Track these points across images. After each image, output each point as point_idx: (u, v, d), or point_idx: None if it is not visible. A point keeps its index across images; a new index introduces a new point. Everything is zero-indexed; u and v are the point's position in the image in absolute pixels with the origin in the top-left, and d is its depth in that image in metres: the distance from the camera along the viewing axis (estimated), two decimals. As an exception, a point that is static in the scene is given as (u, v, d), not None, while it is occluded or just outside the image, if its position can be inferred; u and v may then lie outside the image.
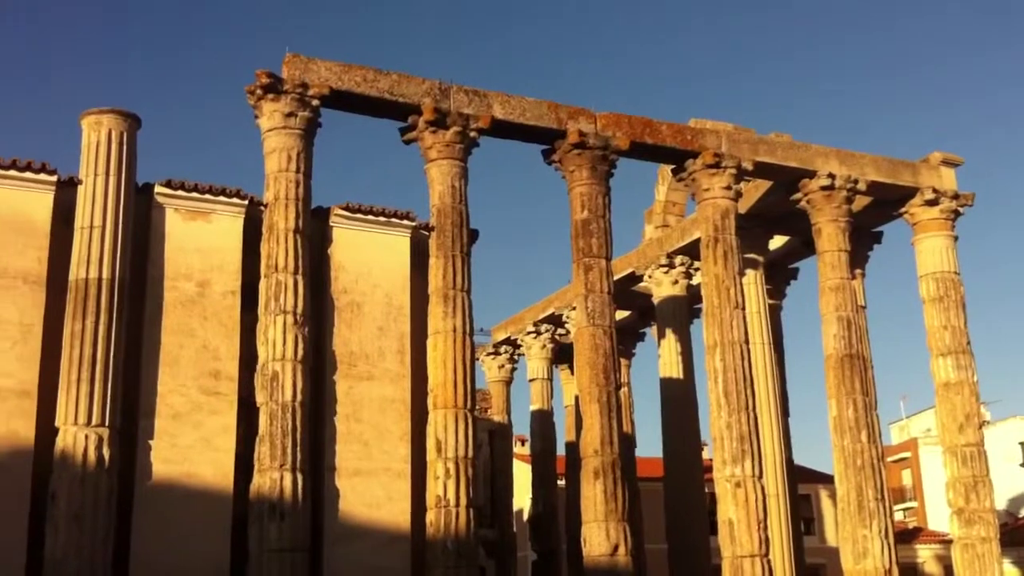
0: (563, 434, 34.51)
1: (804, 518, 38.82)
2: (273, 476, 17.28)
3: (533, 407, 34.50)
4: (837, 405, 23.44)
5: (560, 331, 33.41)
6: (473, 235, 20.85)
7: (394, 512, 18.86)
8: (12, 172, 17.23)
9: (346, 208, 20.11)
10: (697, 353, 27.52)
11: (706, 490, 26.91)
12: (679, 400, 27.67)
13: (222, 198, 18.89)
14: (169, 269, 18.24)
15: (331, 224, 20.05)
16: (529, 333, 34.07)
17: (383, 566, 18.40)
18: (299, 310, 18.27)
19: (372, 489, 18.80)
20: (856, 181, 24.35)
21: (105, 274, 17.04)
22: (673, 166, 23.78)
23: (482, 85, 21.12)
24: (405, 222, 20.68)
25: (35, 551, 15.97)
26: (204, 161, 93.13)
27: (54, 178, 17.50)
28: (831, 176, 24.04)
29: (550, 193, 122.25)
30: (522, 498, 39.75)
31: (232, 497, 17.59)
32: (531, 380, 34.55)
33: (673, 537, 26.84)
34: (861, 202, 25.19)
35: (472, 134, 20.75)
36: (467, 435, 18.93)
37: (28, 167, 17.32)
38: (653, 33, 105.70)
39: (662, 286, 28.46)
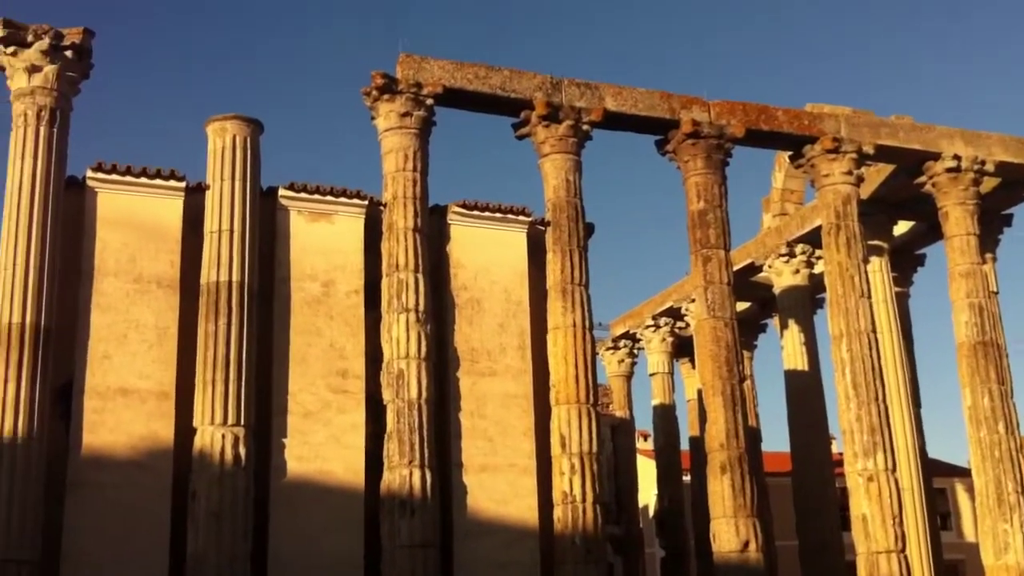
0: (686, 429, 34.15)
1: (940, 513, 37.59)
2: (402, 473, 17.50)
3: (655, 402, 34.18)
4: (971, 395, 22.66)
5: (679, 324, 33.02)
6: (589, 229, 20.78)
7: (521, 508, 18.88)
8: (143, 180, 17.80)
9: (463, 205, 20.25)
10: (822, 344, 26.96)
11: (836, 485, 26.25)
12: (805, 393, 27.08)
13: (343, 199, 19.20)
14: (295, 270, 18.60)
15: (448, 221, 20.21)
16: (648, 327, 33.76)
17: (512, 561, 18.43)
18: (421, 308, 18.48)
19: (498, 485, 18.86)
20: (983, 162, 23.50)
21: (235, 277, 17.47)
22: (790, 153, 23.29)
23: (590, 77, 21.05)
24: (521, 218, 20.71)
25: (178, 547, 16.45)
26: (323, 163, 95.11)
27: (183, 184, 18.03)
28: (956, 158, 23.26)
29: (665, 184, 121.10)
30: (647, 494, 39.44)
31: (363, 493, 17.83)
32: (652, 374, 34.24)
33: (803, 533, 26.26)
34: (989, 184, 24.30)
35: (585, 127, 20.68)
36: (590, 430, 18.84)
37: (158, 174, 17.87)
38: (759, 18, 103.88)
39: (783, 276, 27.90)
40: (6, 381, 16.08)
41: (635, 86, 21.26)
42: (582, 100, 20.77)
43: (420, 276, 18.67)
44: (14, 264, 16.52)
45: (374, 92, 19.42)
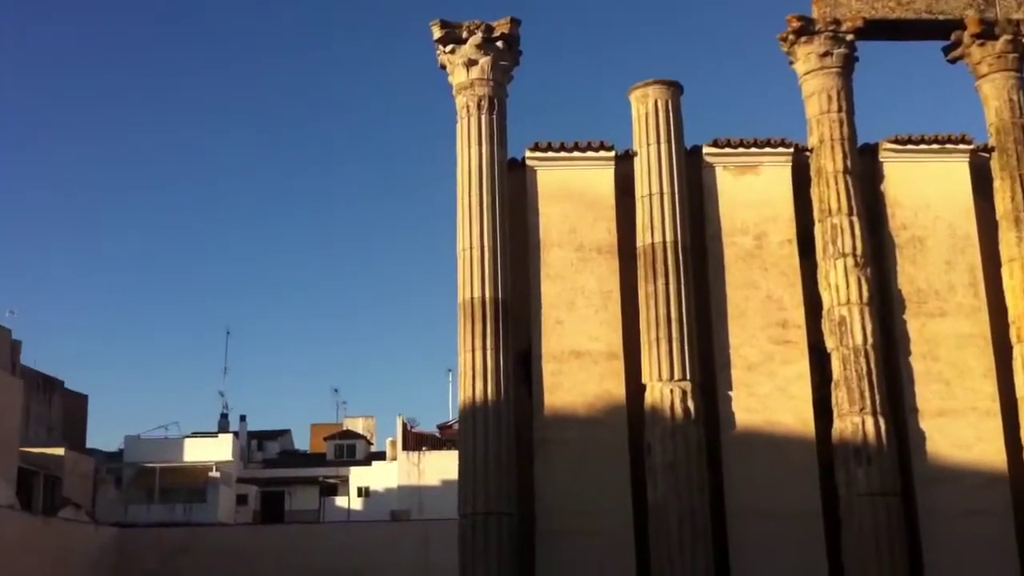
0: None
1: None
2: (854, 420, 17.17)
3: None
4: None
5: None
6: (1039, 149, 19.02)
7: (987, 452, 17.78)
8: (576, 153, 18.75)
9: (895, 141, 19.30)
10: None
11: None
12: None
13: (767, 149, 19.01)
14: (725, 225, 18.73)
15: (880, 160, 19.35)
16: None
17: (981, 509, 17.42)
18: (858, 252, 17.98)
19: (959, 430, 17.88)
20: None
21: (668, 237, 17.94)
22: None
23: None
24: (961, 146, 19.37)
25: (638, 497, 17.26)
26: (742, 117, 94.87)
27: (612, 153, 18.77)
28: None
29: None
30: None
31: (814, 442, 17.67)
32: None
33: None
34: None
35: (1025, 40, 18.97)
36: (1060, 368, 17.33)
37: (589, 147, 18.74)
38: None
39: None
40: (474, 350, 17.65)
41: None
42: (1020, 11, 19.07)
43: (854, 219, 18.17)
44: (470, 245, 18.05)
45: (790, 36, 19.08)
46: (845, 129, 18.67)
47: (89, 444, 61.24)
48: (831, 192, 18.36)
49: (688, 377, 17.36)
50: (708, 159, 19.05)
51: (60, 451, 51.31)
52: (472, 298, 17.79)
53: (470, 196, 18.23)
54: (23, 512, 41.85)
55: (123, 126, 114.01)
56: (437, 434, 66.85)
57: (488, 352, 17.58)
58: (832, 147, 18.56)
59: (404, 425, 63.55)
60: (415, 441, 63.96)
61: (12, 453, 45.96)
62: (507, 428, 17.49)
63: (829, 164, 18.49)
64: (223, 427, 65.00)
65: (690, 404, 17.23)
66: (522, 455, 17.63)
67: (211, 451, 58.29)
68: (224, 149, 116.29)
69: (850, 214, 18.19)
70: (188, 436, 60.19)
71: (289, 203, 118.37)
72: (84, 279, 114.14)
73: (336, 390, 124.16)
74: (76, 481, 51.59)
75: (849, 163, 18.46)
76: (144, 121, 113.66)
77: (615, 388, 17.89)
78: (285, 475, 63.93)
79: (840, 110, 18.77)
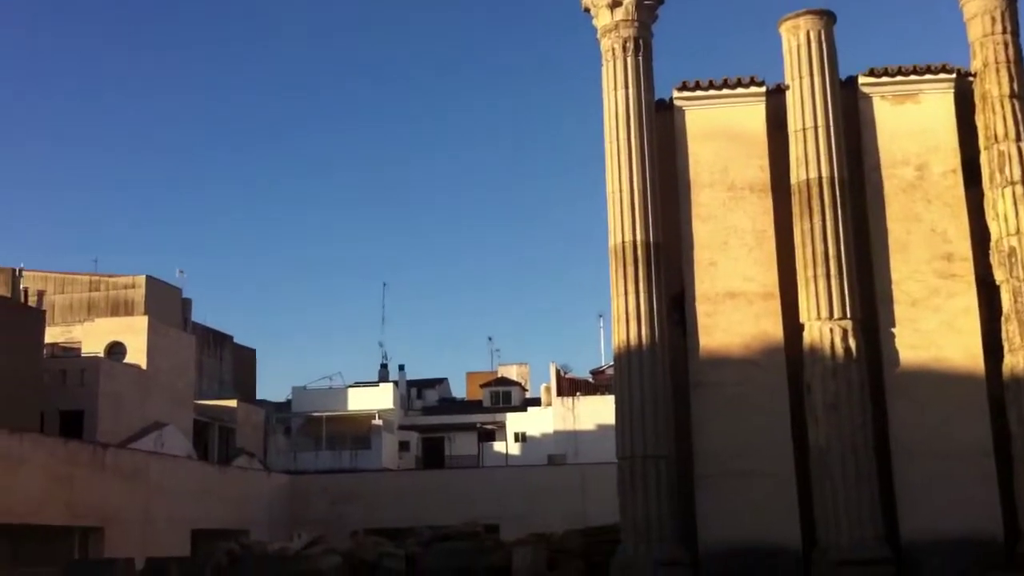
0: None
1: None
2: (1026, 355, 16.51)
3: None
4: None
5: None
6: None
7: None
8: (725, 91, 18.38)
9: (1067, 60, 18.22)
10: None
11: None
12: None
13: (927, 76, 18.22)
14: (884, 157, 18.10)
15: (1051, 81, 18.30)
16: None
17: None
18: (1027, 179, 17.18)
19: None
20: None
21: (824, 172, 17.46)
22: None
23: None
24: None
25: (799, 438, 17.03)
26: (897, 44, 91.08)
27: (763, 89, 18.33)
28: None
29: None
30: None
31: (984, 379, 17.05)
32: None
33: None
34: None
35: None
36: None
37: (738, 83, 18.34)
38: None
39: None
40: (626, 295, 17.65)
41: None
42: None
43: (1022, 145, 17.34)
44: (620, 188, 17.99)
45: (949, -44, 18.18)
46: (1011, 51, 17.78)
47: (258, 396, 64.12)
48: (997, 118, 17.56)
49: (848, 315, 16.96)
50: (864, 89, 18.39)
51: (232, 403, 53.99)
52: (623, 242, 17.76)
53: (618, 139, 18.13)
54: (202, 462, 44.26)
55: (288, 81, 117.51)
56: (590, 380, 67.27)
57: (641, 296, 17.56)
58: (997, 70, 17.71)
59: (558, 371, 64.18)
60: (569, 387, 64.56)
61: (189, 406, 48.58)
62: (662, 371, 17.49)
63: (994, 88, 17.66)
64: (383, 377, 67.03)
65: (851, 342, 16.84)
66: (678, 398, 17.61)
67: (373, 400, 60.26)
68: (377, 100, 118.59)
69: (1018, 140, 17.40)
70: (351, 386, 62.33)
71: (442, 149, 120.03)
72: (247, 237, 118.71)
73: (490, 338, 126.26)
74: (248, 431, 54.20)
75: (1016, 87, 17.61)
76: (313, 83, 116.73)
77: (772, 328, 17.64)
78: (444, 422, 65.60)
79: (1005, 31, 17.87)
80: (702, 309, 17.84)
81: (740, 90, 18.37)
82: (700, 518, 17.09)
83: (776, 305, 17.69)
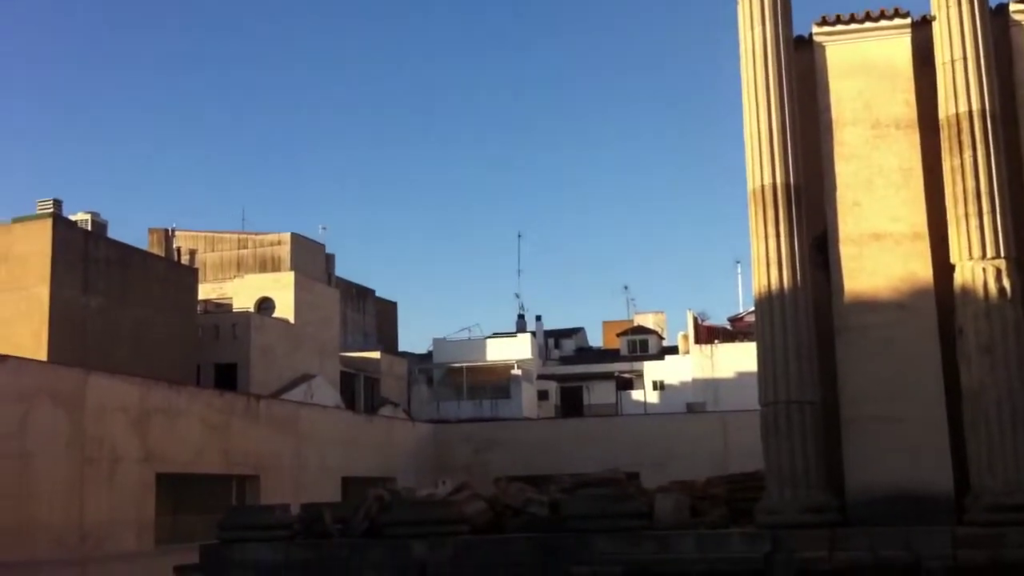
0: None
1: None
2: None
3: None
4: None
5: None
6: None
7: None
8: (867, 24, 17.72)
9: None
10: None
11: None
12: None
13: (1087, -1, 17.22)
14: (1039, 88, 17.25)
15: None
16: None
17: None
18: None
19: None
20: None
21: (975, 106, 16.72)
22: None
23: None
24: None
25: (950, 381, 16.53)
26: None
27: (907, 20, 17.60)
28: None
29: None
30: None
31: None
32: None
33: None
34: None
35: None
36: None
37: (881, 16, 17.66)
38: None
39: None
40: (767, 238, 17.33)
41: None
42: None
43: None
44: (758, 130, 17.60)
45: None
46: None
47: (400, 348, 65.65)
48: None
49: (1002, 254, 16.28)
50: (1016, 16, 17.48)
51: (376, 355, 55.45)
52: (763, 185, 17.41)
53: (755, 79, 17.70)
54: (349, 411, 45.68)
55: (431, 49, 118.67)
56: (728, 327, 66.47)
57: (782, 239, 17.22)
58: None
59: (695, 319, 63.64)
60: (706, 335, 64.00)
61: (335, 358, 50.13)
62: (805, 315, 17.16)
63: None
64: (520, 327, 67.70)
65: (1005, 283, 16.19)
66: (822, 342, 17.27)
67: (511, 350, 60.98)
68: (504, 57, 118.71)
69: None
70: (489, 337, 63.21)
71: (573, 99, 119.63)
72: (386, 193, 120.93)
73: (626, 287, 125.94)
74: (391, 382, 55.63)
75: None
76: (461, 48, 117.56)
77: (920, 269, 17.09)
78: (582, 371, 65.97)
79: None
80: (846, 252, 17.39)
81: (884, 23, 17.68)
82: (847, 464, 16.80)
83: (925, 246, 17.11)
